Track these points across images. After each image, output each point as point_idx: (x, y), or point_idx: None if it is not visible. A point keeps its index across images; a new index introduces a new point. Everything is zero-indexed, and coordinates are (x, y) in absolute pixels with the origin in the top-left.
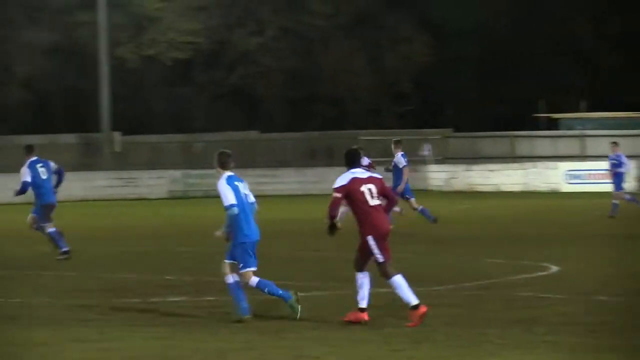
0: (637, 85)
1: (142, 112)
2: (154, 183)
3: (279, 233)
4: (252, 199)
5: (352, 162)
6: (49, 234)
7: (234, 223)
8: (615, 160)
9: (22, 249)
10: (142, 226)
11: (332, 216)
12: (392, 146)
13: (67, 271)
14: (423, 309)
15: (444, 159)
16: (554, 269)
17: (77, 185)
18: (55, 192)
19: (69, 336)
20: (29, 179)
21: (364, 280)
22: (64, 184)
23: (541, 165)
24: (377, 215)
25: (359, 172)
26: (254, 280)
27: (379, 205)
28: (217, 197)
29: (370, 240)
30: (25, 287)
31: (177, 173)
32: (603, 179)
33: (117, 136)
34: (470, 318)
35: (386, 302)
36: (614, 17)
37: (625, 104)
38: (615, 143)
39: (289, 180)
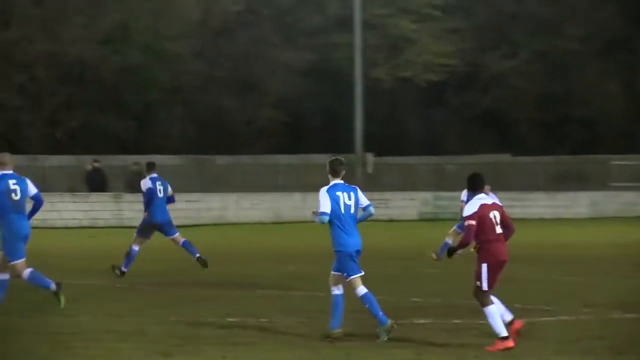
0: None
1: (396, 133)
2: (406, 205)
3: (531, 257)
4: (369, 209)
5: (477, 187)
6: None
7: (330, 232)
8: None
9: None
10: (392, 247)
11: (466, 244)
12: None
13: (317, 291)
14: (517, 324)
15: None
16: None
17: None
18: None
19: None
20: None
21: (492, 310)
22: None
23: None
24: (497, 244)
25: (484, 198)
26: (361, 290)
27: (501, 234)
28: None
29: (484, 268)
30: (274, 306)
31: (428, 195)
32: None
33: (369, 157)
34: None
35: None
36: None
37: None
38: None
39: (540, 204)
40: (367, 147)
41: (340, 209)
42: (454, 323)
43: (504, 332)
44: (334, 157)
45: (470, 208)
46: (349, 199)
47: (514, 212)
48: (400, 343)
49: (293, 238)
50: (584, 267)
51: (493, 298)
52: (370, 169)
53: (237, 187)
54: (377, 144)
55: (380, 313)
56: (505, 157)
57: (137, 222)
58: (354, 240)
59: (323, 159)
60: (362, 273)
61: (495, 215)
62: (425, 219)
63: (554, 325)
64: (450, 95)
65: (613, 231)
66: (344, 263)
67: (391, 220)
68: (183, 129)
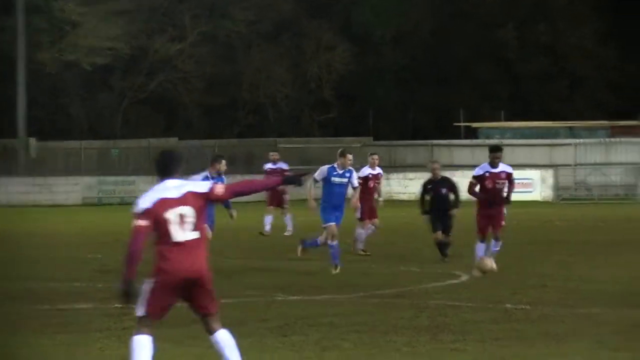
0: (556, 94)
1: (60, 117)
2: (70, 189)
3: None
4: None
5: (166, 169)
6: None
7: None
8: None
9: None
10: (55, 233)
11: (132, 256)
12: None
13: None
14: None
15: (362, 167)
16: (465, 277)
17: None
18: None
19: None
20: None
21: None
22: None
23: (459, 173)
24: (177, 256)
25: (169, 190)
26: None
27: (189, 241)
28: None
29: (148, 285)
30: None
31: (92, 180)
32: (519, 187)
33: (32, 142)
34: (380, 325)
35: (296, 311)
36: (538, 25)
37: (544, 113)
38: None
39: None
40: (31, 132)
41: None
42: (115, 307)
43: None
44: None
45: (143, 203)
46: None
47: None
48: (61, 328)
49: None
50: (240, 251)
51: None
52: (33, 154)
53: None
54: (41, 129)
55: None
56: (172, 141)
57: None
58: None
59: None
60: None
61: (182, 213)
62: (90, 204)
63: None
64: (116, 79)
65: None
66: None
67: (55, 205)
68: None
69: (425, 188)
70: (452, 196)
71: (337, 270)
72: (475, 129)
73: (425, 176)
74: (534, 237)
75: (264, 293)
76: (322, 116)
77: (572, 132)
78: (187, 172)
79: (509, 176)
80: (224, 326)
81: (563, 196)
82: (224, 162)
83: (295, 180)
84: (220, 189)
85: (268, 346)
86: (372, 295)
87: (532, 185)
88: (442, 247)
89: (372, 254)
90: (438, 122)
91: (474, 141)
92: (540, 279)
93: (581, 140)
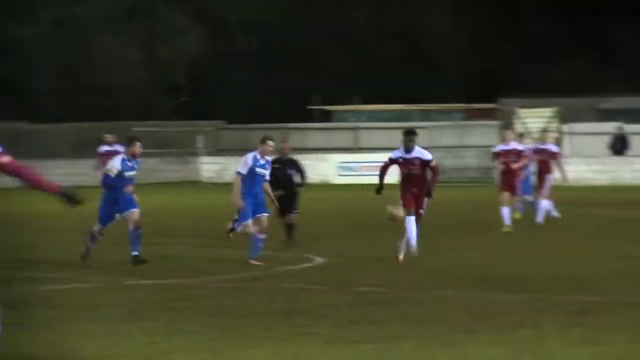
0: (411, 78)
1: None
2: None
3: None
4: None
5: None
6: None
7: None
8: None
9: None
10: None
11: None
12: None
13: None
14: None
15: (216, 150)
16: (319, 260)
17: None
18: None
19: None
20: None
21: None
22: None
23: (313, 157)
24: None
25: None
26: None
27: None
28: None
29: None
30: None
31: None
32: (374, 170)
33: None
34: (234, 310)
35: (148, 296)
36: (392, 9)
37: (399, 97)
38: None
39: (59, 172)
40: None
41: None
42: None
43: None
44: None
45: None
46: None
47: None
48: None
49: None
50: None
51: None
52: None
53: None
54: None
55: None
56: (24, 125)
57: None
58: None
59: None
60: None
61: None
62: None
63: (73, 293)
64: None
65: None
66: None
67: None
68: None
69: (273, 167)
70: (298, 177)
71: (257, 263)
72: (330, 112)
73: None
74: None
75: (115, 278)
76: (175, 100)
77: (427, 115)
78: (42, 156)
79: (424, 163)
80: (72, 312)
81: None
82: (138, 144)
83: (70, 200)
84: (6, 158)
85: (118, 331)
86: (226, 279)
87: None
88: (288, 228)
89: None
90: (293, 106)
91: (329, 124)
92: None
93: (435, 123)
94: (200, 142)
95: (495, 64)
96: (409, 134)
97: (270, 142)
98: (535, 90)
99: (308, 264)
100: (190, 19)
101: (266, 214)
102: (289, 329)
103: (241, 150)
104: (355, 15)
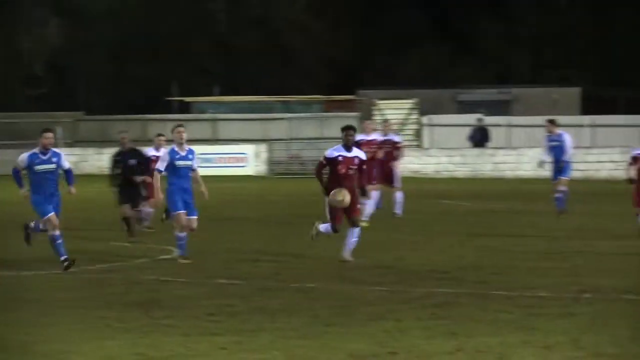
0: (269, 69)
1: None
2: None
3: None
4: None
5: None
6: None
7: None
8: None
9: None
10: None
11: None
12: None
13: None
14: None
15: (74, 142)
16: (177, 252)
17: None
18: None
19: None
20: None
21: None
22: None
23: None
24: None
25: None
26: None
27: None
28: None
29: None
30: None
31: None
32: (233, 162)
33: None
34: (90, 301)
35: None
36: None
37: (259, 88)
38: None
39: None
40: None
41: None
42: None
43: None
44: None
45: None
46: None
47: None
48: None
49: None
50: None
51: None
52: None
53: None
54: None
55: None
56: None
57: None
58: None
59: None
60: None
61: None
62: None
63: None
64: None
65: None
66: None
67: None
68: None
69: (115, 160)
70: (141, 167)
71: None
72: (189, 103)
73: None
74: (247, 212)
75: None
76: (34, 91)
77: (287, 107)
78: None
79: (362, 163)
80: None
81: (276, 170)
82: (50, 134)
83: None
84: None
85: None
86: (83, 270)
87: (246, 160)
88: (128, 221)
89: (87, 230)
90: (151, 97)
91: (187, 116)
92: (253, 254)
93: (295, 115)
94: (58, 132)
95: (354, 55)
96: (349, 129)
97: (180, 129)
98: (395, 81)
99: (166, 256)
100: (50, 10)
101: (195, 216)
102: (147, 321)
103: (100, 142)
104: (211, 4)
